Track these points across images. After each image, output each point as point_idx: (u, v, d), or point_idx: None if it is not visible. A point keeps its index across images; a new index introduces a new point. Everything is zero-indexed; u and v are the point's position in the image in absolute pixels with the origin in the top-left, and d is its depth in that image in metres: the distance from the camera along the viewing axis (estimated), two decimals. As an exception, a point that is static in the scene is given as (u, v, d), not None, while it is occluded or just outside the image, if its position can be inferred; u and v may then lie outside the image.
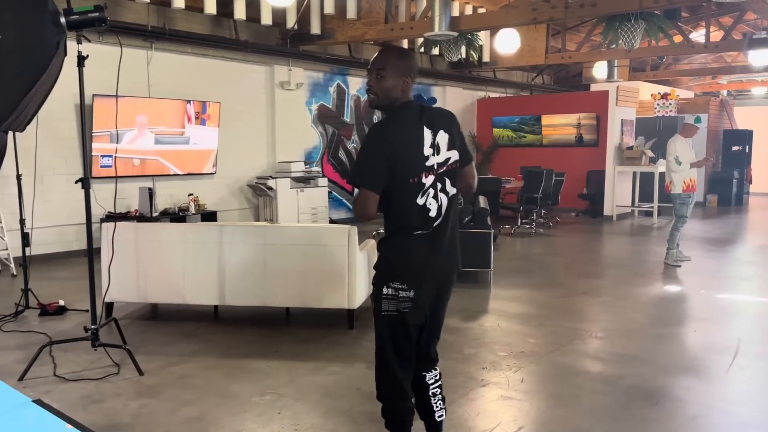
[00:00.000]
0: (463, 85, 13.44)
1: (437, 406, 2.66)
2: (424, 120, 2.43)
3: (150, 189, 7.89)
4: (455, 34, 7.83)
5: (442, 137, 2.43)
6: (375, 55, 2.53)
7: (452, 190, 2.47)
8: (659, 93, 14.42)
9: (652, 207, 11.52)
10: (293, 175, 9.43)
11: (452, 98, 13.17)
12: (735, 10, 11.17)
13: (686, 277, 6.81)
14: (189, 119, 8.54)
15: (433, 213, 2.42)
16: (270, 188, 9.20)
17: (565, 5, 6.94)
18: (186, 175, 8.68)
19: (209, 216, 8.66)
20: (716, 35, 11.95)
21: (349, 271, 4.69)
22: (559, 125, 12.98)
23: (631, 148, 11.80)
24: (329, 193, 10.80)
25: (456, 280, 2.67)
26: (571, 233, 10.23)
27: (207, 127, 8.75)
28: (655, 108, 14.38)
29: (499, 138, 13.71)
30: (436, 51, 8.97)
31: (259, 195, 9.48)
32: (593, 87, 14.05)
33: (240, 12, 8.03)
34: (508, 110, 13.59)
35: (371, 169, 2.35)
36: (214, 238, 4.76)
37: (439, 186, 2.42)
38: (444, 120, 2.50)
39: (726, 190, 14.30)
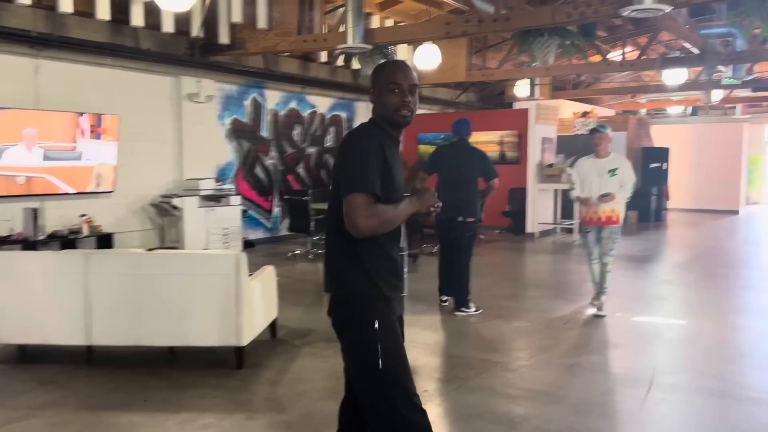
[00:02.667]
0: (386, 100, 13.15)
1: None
2: None
3: (34, 210, 7.15)
4: (369, 47, 7.51)
5: None
6: (402, 71, 2.26)
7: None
8: (580, 111, 14.61)
9: (572, 224, 11.51)
10: (202, 193, 8.84)
11: (375, 114, 12.87)
12: (650, 30, 11.40)
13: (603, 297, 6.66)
14: (82, 133, 7.84)
15: None
16: (175, 207, 8.57)
17: (479, 20, 6.73)
18: (80, 194, 7.94)
19: (104, 239, 7.94)
20: (634, 55, 12.18)
21: (237, 303, 4.20)
22: (483, 142, 12.82)
23: (551, 165, 11.79)
24: (244, 212, 10.24)
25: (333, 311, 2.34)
26: (492, 251, 10.05)
27: (103, 142, 8.06)
28: (576, 126, 14.54)
29: (425, 155, 13.49)
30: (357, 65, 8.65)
31: (164, 215, 8.83)
32: (516, 105, 14.11)
33: (138, 19, 7.45)
34: (433, 127, 13.40)
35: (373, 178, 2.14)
36: (78, 268, 4.18)
37: None
38: None
39: (645, 206, 14.56)
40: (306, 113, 11.41)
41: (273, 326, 5.02)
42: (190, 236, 8.65)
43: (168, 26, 7.80)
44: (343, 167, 2.15)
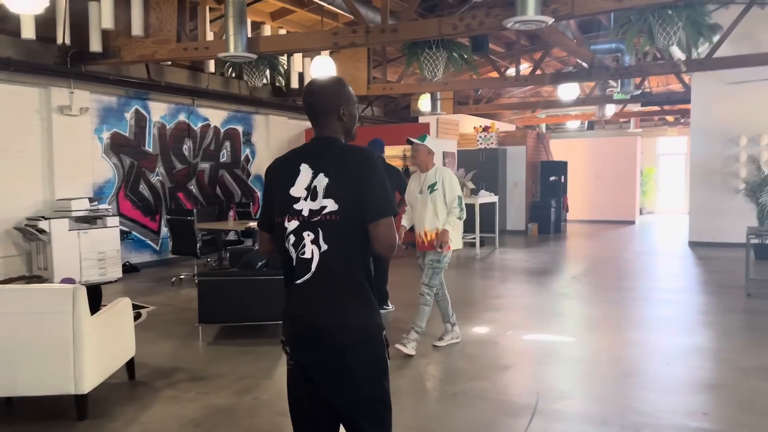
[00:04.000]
0: (288, 114, 12.73)
1: None
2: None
3: None
4: (253, 56, 7.08)
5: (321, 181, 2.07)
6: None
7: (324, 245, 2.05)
8: (481, 126, 14.73)
9: (474, 238, 11.47)
10: (74, 214, 8.06)
11: (277, 128, 12.41)
12: (544, 47, 11.60)
13: (497, 314, 6.50)
14: (-74, 149, 6.94)
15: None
16: (42, 231, 7.75)
17: (366, 30, 6.46)
18: (-75, 218, 7.03)
19: (-44, 268, 7.06)
20: (530, 71, 12.36)
21: (75, 345, 3.64)
22: (387, 156, 12.65)
23: (453, 179, 11.72)
24: (127, 233, 9.49)
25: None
26: (394, 268, 9.76)
27: (-47, 160, 7.18)
28: (478, 140, 14.67)
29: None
30: (232, 74, 8.16)
31: (31, 239, 7.98)
32: (421, 120, 14.04)
33: (-11, 21, 6.67)
34: (334, 141, 13.07)
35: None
36: None
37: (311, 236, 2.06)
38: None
39: (545, 218, 14.82)
40: (197, 126, 10.79)
41: (130, 366, 4.47)
42: (60, 262, 7.85)
43: (28, 32, 7.04)
44: (370, 191, 2.04)
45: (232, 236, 9.82)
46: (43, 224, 7.76)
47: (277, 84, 8.51)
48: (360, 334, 2.04)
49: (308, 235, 2.04)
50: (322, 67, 9.25)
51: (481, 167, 13.57)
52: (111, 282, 6.38)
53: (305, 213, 2.05)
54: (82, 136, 8.78)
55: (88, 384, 3.70)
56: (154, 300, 7.18)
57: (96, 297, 6.36)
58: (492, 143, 14.63)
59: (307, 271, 2.04)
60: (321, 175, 2.05)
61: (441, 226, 4.88)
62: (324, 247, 2.03)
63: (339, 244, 2.02)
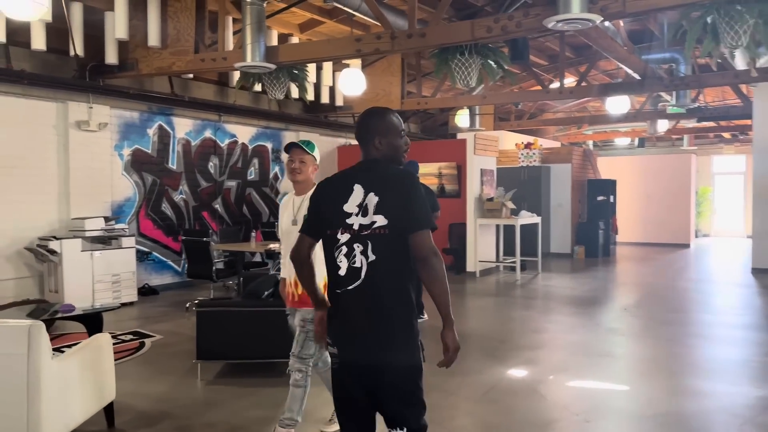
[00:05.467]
0: (319, 130, 12.24)
1: None
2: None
3: None
4: (272, 66, 6.58)
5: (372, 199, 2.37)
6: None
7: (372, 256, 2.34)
8: (522, 142, 13.98)
9: (514, 262, 10.68)
10: (88, 234, 7.67)
11: (305, 145, 11.92)
12: (590, 59, 10.83)
13: (537, 354, 5.74)
14: (-67, 166, 6.65)
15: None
16: (53, 252, 7.37)
17: (392, 36, 5.88)
18: (-69, 237, 6.73)
19: (-39, 290, 6.71)
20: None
21: (30, 391, 3.10)
22: (421, 174, 12.04)
23: (491, 199, 11.00)
24: (147, 254, 9.09)
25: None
26: (428, 295, 9.09)
27: (-38, 176, 6.88)
28: (520, 158, 13.91)
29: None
30: (258, 87, 7.69)
31: (42, 260, 7.61)
32: (459, 136, 13.39)
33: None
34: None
35: None
36: None
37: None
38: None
39: (593, 240, 13.90)
40: (224, 143, 10.38)
41: (110, 412, 3.92)
42: (72, 285, 7.46)
43: (38, 43, 6.72)
44: (412, 207, 2.33)
45: (257, 258, 9.32)
46: (54, 244, 7.39)
47: (299, 97, 7.97)
48: (400, 336, 2.33)
49: (358, 246, 2.35)
50: (351, 81, 8.73)
51: (522, 186, 12.79)
52: (114, 308, 5.88)
53: (356, 227, 2.36)
54: (101, 153, 8.43)
55: (46, 437, 3.15)
56: (163, 328, 6.68)
57: (96, 325, 5.90)
58: (535, 161, 13.85)
59: (357, 278, 2.34)
60: (372, 194, 2.35)
61: (319, 277, 2.70)
62: (372, 257, 2.33)
63: (386, 254, 2.32)
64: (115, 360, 5.54)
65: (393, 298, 2.34)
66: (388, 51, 6.03)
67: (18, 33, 6.86)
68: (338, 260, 2.36)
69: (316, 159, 3.65)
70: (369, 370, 2.34)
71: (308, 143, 3.65)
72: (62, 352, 3.69)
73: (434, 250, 2.31)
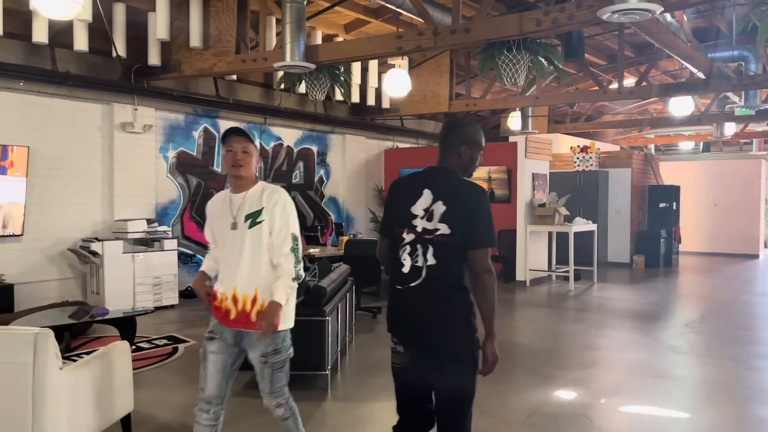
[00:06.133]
0: (365, 133, 12.03)
1: None
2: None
3: None
4: (311, 66, 6.37)
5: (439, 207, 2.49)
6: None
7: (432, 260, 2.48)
8: (578, 146, 13.39)
9: (567, 271, 10.16)
10: (130, 236, 7.65)
11: (353, 148, 11.74)
12: (649, 59, 10.20)
13: (588, 373, 5.30)
14: (-20, 167, 6.74)
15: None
16: (95, 253, 7.37)
17: (434, 32, 5.57)
18: (-22, 237, 6.81)
19: (5, 291, 6.75)
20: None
21: (35, 404, 2.94)
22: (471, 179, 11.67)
23: (543, 204, 10.51)
24: (191, 257, 9.05)
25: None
26: (473, 305, 8.72)
27: (8, 177, 6.94)
28: (575, 162, 13.33)
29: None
30: (302, 89, 7.50)
31: (85, 262, 7.63)
32: (511, 139, 12.94)
33: (41, 34, 6.38)
34: (416, 162, 12.18)
35: None
36: None
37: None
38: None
39: (653, 250, 13.17)
40: (269, 146, 10.28)
41: (126, 424, 3.74)
42: (112, 287, 7.44)
43: (80, 44, 6.72)
44: (477, 223, 2.44)
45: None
46: (95, 246, 7.39)
47: (343, 98, 7.75)
48: (456, 333, 2.46)
49: (421, 248, 2.49)
50: (396, 81, 8.46)
51: (577, 192, 12.24)
52: (149, 312, 5.79)
53: (419, 229, 2.50)
54: (146, 155, 8.43)
55: (51, 453, 2.98)
56: (198, 333, 6.54)
57: (129, 329, 5.81)
58: (591, 165, 13.24)
59: (418, 277, 2.49)
60: (440, 203, 2.48)
61: (265, 292, 2.83)
62: (432, 261, 2.47)
63: (445, 260, 2.46)
64: (146, 366, 5.47)
65: (452, 299, 2.48)
66: (431, 48, 5.72)
67: (62, 34, 6.89)
68: (402, 258, 2.52)
69: (254, 148, 2.97)
70: (428, 365, 2.50)
71: (240, 130, 2.97)
72: (81, 358, 3.54)
73: (488, 268, 2.44)
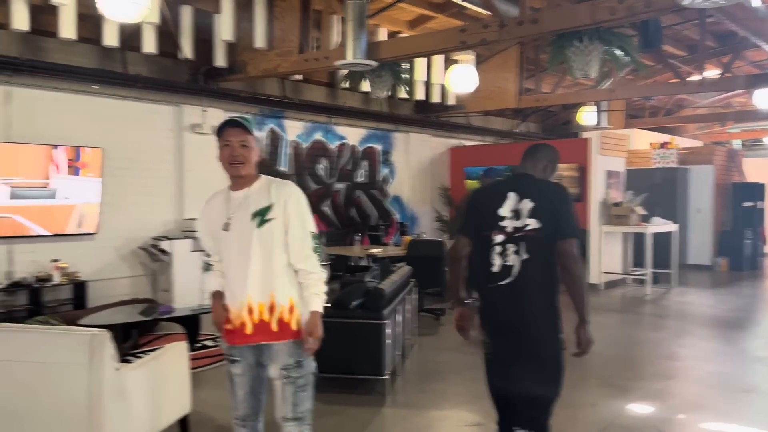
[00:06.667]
0: (431, 131, 11.84)
1: None
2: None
3: (-10, 254, 6.28)
4: (373, 63, 6.26)
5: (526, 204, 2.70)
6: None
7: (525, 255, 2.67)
8: (657, 142, 12.72)
9: (644, 275, 9.64)
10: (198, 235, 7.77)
11: (418, 146, 11.56)
12: (733, 50, 9.52)
13: (666, 385, 4.94)
14: (57, 168, 6.99)
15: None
16: (164, 252, 7.54)
17: (500, 24, 5.34)
18: (57, 236, 7.06)
19: (79, 287, 6.99)
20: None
21: (91, 405, 2.94)
22: (540, 177, 11.28)
23: (618, 204, 10.02)
24: (256, 255, 9.12)
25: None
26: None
27: (82, 178, 7.18)
28: (654, 158, 12.66)
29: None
30: (367, 87, 7.42)
31: (155, 260, 7.82)
32: (584, 134, 12.44)
33: (111, 38, 6.55)
34: (482, 160, 11.91)
35: None
36: None
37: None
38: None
39: (737, 251, 12.35)
40: (334, 145, 10.27)
41: (184, 425, 3.74)
42: (181, 285, 7.57)
43: (149, 46, 6.87)
44: (563, 215, 2.66)
45: (364, 262, 9.08)
46: (165, 244, 7.55)
47: (406, 96, 7.60)
48: (545, 329, 2.65)
49: (511, 246, 2.67)
50: (462, 77, 8.26)
51: (655, 190, 11.61)
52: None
53: (509, 229, 2.69)
54: (214, 156, 8.53)
55: (107, 455, 2.98)
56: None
57: (193, 327, 5.88)
58: (671, 162, 12.54)
59: (509, 275, 2.66)
60: (526, 200, 2.68)
61: (283, 297, 2.57)
62: (525, 256, 2.64)
63: (537, 254, 2.63)
64: (209, 364, 5.51)
65: (542, 293, 2.66)
66: (496, 41, 5.49)
67: (132, 38, 7.06)
68: (492, 258, 2.71)
69: (253, 139, 2.64)
70: (518, 359, 2.69)
71: (248, 120, 2.65)
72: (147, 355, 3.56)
73: (576, 257, 2.62)
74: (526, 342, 2.66)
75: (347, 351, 4.50)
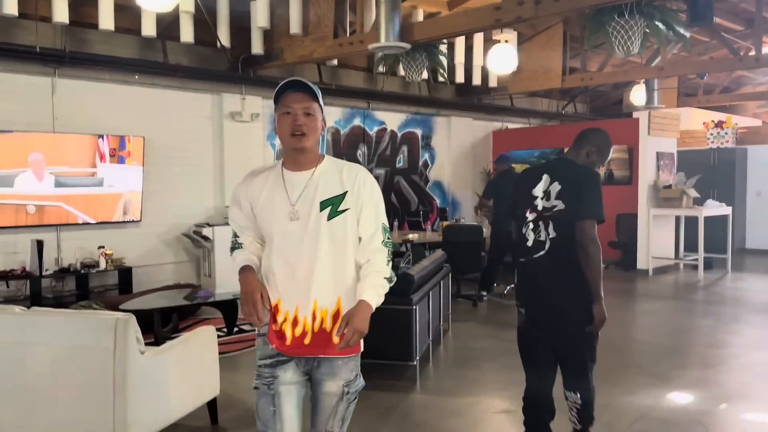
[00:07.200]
0: (473, 114, 11.64)
1: (570, 417, 3.09)
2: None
3: (39, 241, 6.51)
4: (407, 46, 6.17)
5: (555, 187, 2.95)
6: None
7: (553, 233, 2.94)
8: (713, 121, 12.16)
9: (696, 259, 9.26)
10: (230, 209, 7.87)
11: (459, 130, 11.40)
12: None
13: (709, 373, 4.73)
14: (102, 157, 7.19)
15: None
16: (206, 238, 7.68)
17: (536, 0, 5.15)
18: (102, 223, 7.28)
19: (125, 273, 7.20)
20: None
21: (116, 388, 3.01)
22: (587, 160, 10.94)
23: (669, 186, 9.63)
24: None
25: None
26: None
27: (127, 166, 7.36)
28: (709, 139, 12.12)
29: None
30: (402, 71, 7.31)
31: (198, 246, 7.98)
32: (635, 115, 12.01)
33: (149, 28, 6.66)
34: (526, 143, 11.66)
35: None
36: None
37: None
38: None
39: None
40: (373, 131, 10.22)
41: (213, 408, 3.79)
42: (223, 271, 7.68)
43: (186, 36, 6.95)
44: (585, 198, 2.87)
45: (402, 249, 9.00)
46: (207, 231, 7.68)
47: (443, 79, 7.47)
48: (574, 300, 2.88)
49: (542, 224, 2.94)
50: (502, 58, 8.04)
51: (711, 172, 11.12)
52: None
53: (540, 208, 2.96)
54: (254, 143, 8.65)
55: (135, 437, 3.04)
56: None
57: (231, 311, 5.96)
58: (727, 142, 11.98)
59: (542, 249, 2.94)
60: (556, 183, 2.93)
61: (350, 304, 2.13)
62: (552, 234, 2.91)
63: (563, 232, 2.88)
64: (244, 348, 5.58)
65: (569, 268, 2.87)
66: (532, 18, 5.32)
67: (171, 28, 7.16)
68: (526, 234, 2.99)
69: (318, 107, 2.16)
70: (552, 325, 2.97)
71: (302, 84, 2.13)
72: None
73: (593, 238, 2.82)
74: (557, 310, 2.92)
75: (376, 336, 4.43)
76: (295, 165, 2.20)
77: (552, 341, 2.99)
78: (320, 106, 2.18)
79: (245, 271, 2.22)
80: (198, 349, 3.66)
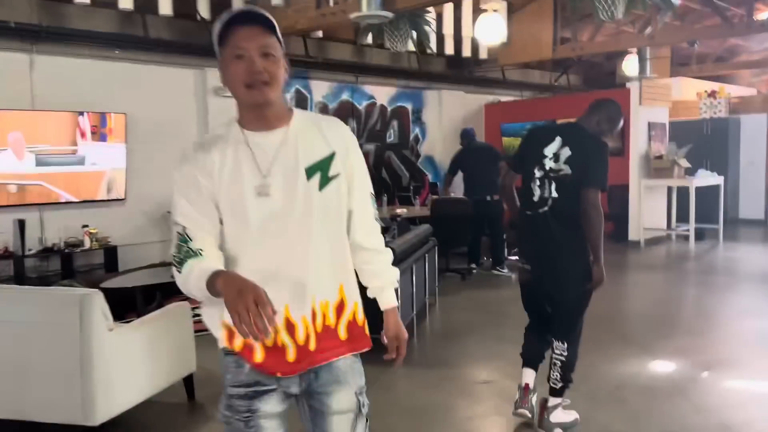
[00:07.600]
0: (464, 88, 11.49)
1: (552, 374, 3.28)
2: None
3: (21, 221, 6.43)
4: (389, 14, 6.03)
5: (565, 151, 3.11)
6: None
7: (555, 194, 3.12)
8: (705, 91, 12.03)
9: (687, 230, 9.21)
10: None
11: (451, 104, 11.25)
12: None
13: (693, 341, 4.69)
14: (83, 135, 7.07)
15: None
16: (191, 216, 7.58)
17: (517, -36, 5.01)
18: (86, 202, 7.19)
19: (110, 252, 7.14)
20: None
21: (83, 365, 2.96)
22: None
23: (660, 157, 9.55)
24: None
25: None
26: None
27: (109, 144, 7.26)
28: (701, 109, 12.00)
29: (509, 149, 11.66)
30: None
31: (184, 224, 7.88)
32: (627, 85, 11.85)
33: (126, 1, 6.50)
34: (519, 116, 11.53)
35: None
36: None
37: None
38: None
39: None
40: (362, 105, 10.09)
41: (189, 384, 3.75)
42: (209, 248, 7.64)
43: (165, 8, 6.79)
44: (592, 167, 3.06)
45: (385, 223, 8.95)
46: (191, 209, 7.60)
47: (428, 50, 7.34)
48: (573, 250, 3.10)
49: (547, 182, 3.11)
50: (490, 28, 7.91)
51: (702, 141, 11.01)
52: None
53: (547, 168, 3.12)
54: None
55: (101, 414, 3.00)
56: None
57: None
58: (720, 112, 11.86)
59: (545, 205, 3.13)
60: (566, 148, 3.09)
61: (353, 291, 1.69)
62: (555, 195, 3.10)
63: (565, 195, 3.07)
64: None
65: (569, 227, 3.06)
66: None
67: (150, 1, 7.00)
68: (533, 189, 3.13)
69: (281, 60, 1.60)
70: (551, 278, 3.16)
71: (262, 16, 1.57)
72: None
73: (595, 204, 3.01)
74: (556, 263, 3.11)
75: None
76: (256, 123, 1.62)
77: (548, 290, 3.19)
78: (280, 41, 1.59)
79: (222, 273, 1.45)
80: (171, 326, 3.61)
